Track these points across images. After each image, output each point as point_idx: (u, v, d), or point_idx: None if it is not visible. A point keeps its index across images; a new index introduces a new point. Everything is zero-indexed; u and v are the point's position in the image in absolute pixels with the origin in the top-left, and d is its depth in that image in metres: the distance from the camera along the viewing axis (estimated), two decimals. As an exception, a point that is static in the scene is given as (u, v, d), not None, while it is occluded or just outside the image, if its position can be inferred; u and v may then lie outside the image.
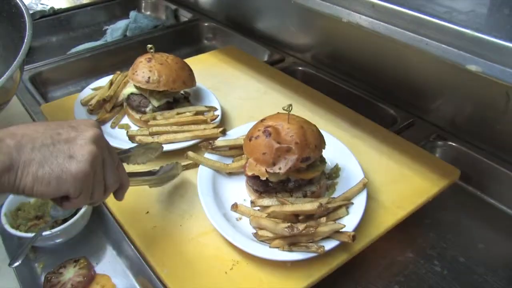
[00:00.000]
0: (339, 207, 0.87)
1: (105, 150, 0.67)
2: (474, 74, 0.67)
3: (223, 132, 1.08)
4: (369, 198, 0.91)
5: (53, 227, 0.89)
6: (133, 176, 0.88)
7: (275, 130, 0.86)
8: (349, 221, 0.85)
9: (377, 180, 1.00)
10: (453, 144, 1.17)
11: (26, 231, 0.90)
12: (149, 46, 1.14)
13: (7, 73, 0.87)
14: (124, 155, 0.86)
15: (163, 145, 0.99)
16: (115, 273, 0.88)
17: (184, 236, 0.89)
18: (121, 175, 0.74)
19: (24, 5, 1.02)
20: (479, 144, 1.14)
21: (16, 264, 0.82)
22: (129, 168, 0.86)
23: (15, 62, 0.89)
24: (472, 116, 1.16)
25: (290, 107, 0.86)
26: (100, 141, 0.66)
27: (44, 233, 0.87)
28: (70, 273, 0.85)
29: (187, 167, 1.03)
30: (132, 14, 1.93)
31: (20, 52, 0.91)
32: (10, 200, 0.94)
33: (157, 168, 0.95)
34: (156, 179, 0.93)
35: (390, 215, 0.92)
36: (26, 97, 1.36)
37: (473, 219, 1.05)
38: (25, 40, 0.94)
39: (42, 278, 0.86)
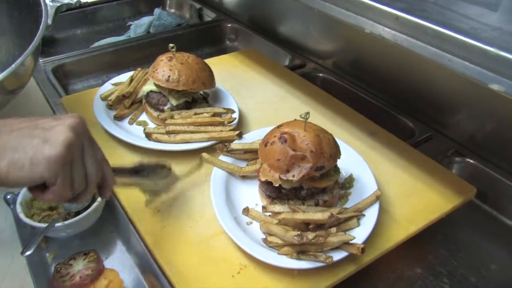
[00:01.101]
0: (350, 218, 0.86)
1: (85, 138, 0.66)
2: (497, 92, 0.66)
3: (240, 135, 1.08)
4: (381, 210, 0.90)
5: (66, 219, 0.90)
6: (119, 172, 0.84)
7: (291, 137, 0.86)
8: (360, 233, 0.84)
9: (390, 192, 0.99)
10: (471, 161, 1.15)
11: (39, 221, 0.91)
12: (171, 45, 1.15)
13: (19, 59, 0.89)
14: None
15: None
16: (123, 269, 0.89)
17: (194, 236, 0.89)
18: (105, 170, 0.72)
19: None
20: (498, 162, 1.12)
21: (28, 253, 0.83)
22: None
23: (28, 48, 0.91)
24: (493, 133, 1.13)
25: (308, 115, 0.86)
26: (79, 128, 0.64)
27: (57, 224, 0.88)
28: (80, 265, 0.86)
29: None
30: (157, 11, 1.95)
31: (35, 39, 0.93)
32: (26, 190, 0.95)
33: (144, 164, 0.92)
34: (147, 184, 0.91)
35: (402, 230, 0.91)
36: (47, 88, 1.38)
37: (487, 239, 1.03)
38: (41, 27, 0.95)
39: (52, 268, 0.87)
